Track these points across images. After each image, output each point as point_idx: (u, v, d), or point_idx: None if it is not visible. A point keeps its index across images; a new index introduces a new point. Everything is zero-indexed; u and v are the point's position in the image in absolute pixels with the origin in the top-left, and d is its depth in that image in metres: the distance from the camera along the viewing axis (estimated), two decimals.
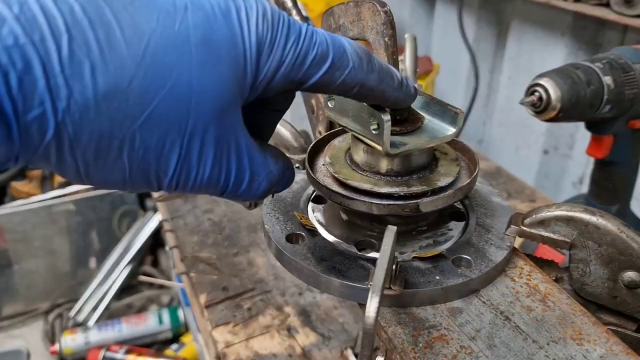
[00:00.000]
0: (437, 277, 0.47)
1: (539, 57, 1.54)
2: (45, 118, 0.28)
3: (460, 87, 1.84)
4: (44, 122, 0.28)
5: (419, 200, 0.47)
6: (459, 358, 0.41)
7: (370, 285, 0.43)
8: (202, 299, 0.96)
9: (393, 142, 0.47)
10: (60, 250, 2.82)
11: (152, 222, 2.64)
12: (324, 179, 0.52)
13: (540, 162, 1.62)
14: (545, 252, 0.80)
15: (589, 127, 0.92)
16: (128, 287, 2.60)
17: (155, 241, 2.61)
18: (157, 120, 0.31)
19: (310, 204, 0.57)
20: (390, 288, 0.44)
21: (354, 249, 0.51)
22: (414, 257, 0.49)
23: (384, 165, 0.50)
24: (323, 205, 0.57)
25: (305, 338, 0.88)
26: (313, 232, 0.52)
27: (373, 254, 0.50)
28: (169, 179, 0.34)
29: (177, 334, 2.13)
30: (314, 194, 0.58)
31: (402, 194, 0.48)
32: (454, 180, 0.50)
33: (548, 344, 0.43)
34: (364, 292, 0.46)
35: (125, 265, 2.61)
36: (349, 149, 0.54)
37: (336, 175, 0.50)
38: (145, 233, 2.64)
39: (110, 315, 2.44)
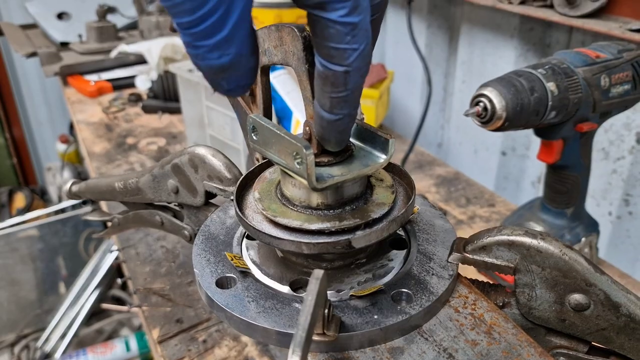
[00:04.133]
0: (376, 317, 0.44)
1: (490, 60, 1.54)
2: None
3: (416, 92, 1.84)
4: None
5: (350, 236, 0.45)
6: None
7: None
8: (155, 333, 0.91)
9: (320, 175, 0.45)
10: (23, 279, 2.73)
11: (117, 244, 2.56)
12: (254, 215, 0.49)
13: (498, 163, 1.62)
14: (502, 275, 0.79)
15: (537, 133, 0.91)
16: (98, 312, 2.52)
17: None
18: None
19: (245, 241, 0.54)
20: (324, 334, 0.41)
21: (288, 290, 0.48)
22: (351, 296, 0.46)
23: (314, 199, 0.47)
24: (257, 241, 0.54)
25: None
26: (245, 273, 0.49)
27: None
28: None
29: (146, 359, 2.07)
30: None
31: (333, 229, 0.45)
32: (389, 210, 0.48)
33: None
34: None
35: (93, 290, 2.53)
36: (279, 181, 0.51)
37: (265, 212, 0.47)
38: (112, 255, 2.57)
39: (79, 343, 2.36)
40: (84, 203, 3.03)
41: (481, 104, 0.79)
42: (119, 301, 2.50)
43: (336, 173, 0.46)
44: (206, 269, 0.50)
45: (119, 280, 1.15)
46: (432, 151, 1.83)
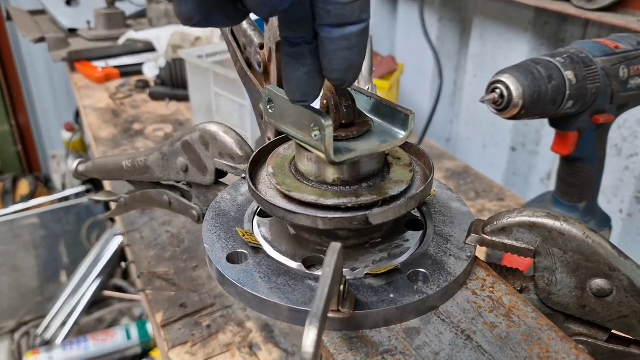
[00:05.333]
0: (392, 295, 0.43)
1: (502, 53, 1.52)
2: None
3: (426, 85, 1.82)
4: None
5: (367, 212, 0.43)
6: None
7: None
8: (159, 317, 0.90)
9: (338, 149, 0.43)
10: (25, 266, 2.72)
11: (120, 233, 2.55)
12: (267, 191, 0.48)
13: (508, 159, 1.60)
14: (511, 259, 0.77)
15: (552, 123, 0.90)
16: (98, 301, 2.51)
17: (125, 252, 2.53)
18: None
19: (256, 218, 0.53)
20: (339, 310, 0.40)
21: (301, 267, 0.46)
22: (366, 274, 0.45)
23: (330, 174, 0.46)
24: (269, 219, 0.53)
25: (268, 355, 0.83)
26: (257, 249, 0.48)
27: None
28: None
29: (147, 348, 2.06)
30: (259, 207, 0.54)
31: (349, 205, 0.43)
32: (407, 187, 0.46)
33: None
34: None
35: (95, 279, 2.52)
36: (294, 157, 0.50)
37: (279, 187, 0.46)
38: (115, 244, 2.56)
39: (79, 331, 2.36)
40: (88, 192, 3.03)
41: (497, 90, 0.78)
42: (121, 290, 2.50)
43: (354, 148, 0.45)
44: (217, 244, 0.48)
45: (123, 264, 1.14)
46: (441, 145, 1.81)
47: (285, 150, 0.52)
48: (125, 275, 2.64)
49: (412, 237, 0.50)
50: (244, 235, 0.49)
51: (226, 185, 0.63)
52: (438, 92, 1.48)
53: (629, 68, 0.86)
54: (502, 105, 0.78)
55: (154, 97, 1.79)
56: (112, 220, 2.84)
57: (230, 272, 0.45)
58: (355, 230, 0.46)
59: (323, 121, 0.40)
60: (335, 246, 0.37)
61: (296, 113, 0.44)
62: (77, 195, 3.07)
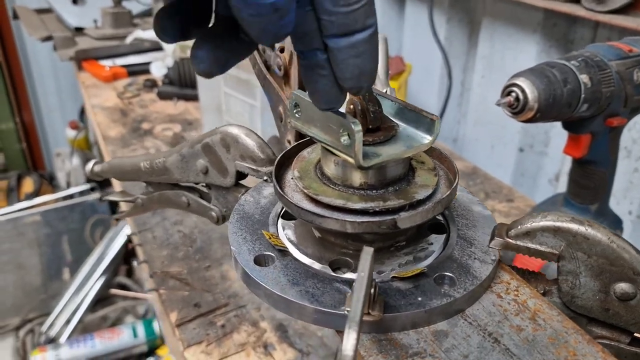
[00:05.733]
0: (419, 299, 0.43)
1: (510, 55, 1.53)
2: None
3: (434, 86, 1.82)
4: None
5: (396, 216, 0.44)
6: None
7: (347, 312, 0.39)
8: (173, 317, 0.91)
9: (365, 153, 0.44)
10: (29, 264, 2.73)
11: (125, 231, 2.56)
12: (293, 194, 0.48)
13: (516, 160, 1.61)
14: (522, 259, 0.78)
15: (566, 126, 0.90)
16: (102, 299, 2.52)
17: (129, 250, 2.54)
18: None
19: (280, 221, 0.53)
20: (369, 313, 0.41)
21: (328, 270, 0.47)
22: (393, 277, 0.45)
23: (357, 178, 0.46)
24: (294, 221, 0.53)
25: (282, 355, 0.84)
26: (284, 252, 0.48)
27: (349, 275, 0.47)
28: None
29: (153, 347, 2.07)
30: (283, 210, 0.54)
31: (377, 209, 0.44)
32: (433, 191, 0.47)
33: None
34: (340, 319, 0.42)
35: (99, 277, 2.52)
36: (319, 160, 0.50)
37: (306, 191, 0.46)
38: (119, 242, 2.57)
39: (84, 329, 2.36)
40: (92, 190, 3.03)
41: (513, 94, 0.78)
42: (125, 288, 2.50)
43: (381, 152, 0.45)
44: (243, 246, 0.49)
45: (135, 264, 1.14)
46: (448, 146, 1.82)
47: (310, 154, 0.52)
48: (130, 273, 2.64)
49: (436, 241, 0.51)
50: (270, 238, 0.49)
51: (245, 187, 0.64)
52: (447, 93, 1.49)
53: None
54: (517, 109, 0.78)
55: (162, 96, 1.80)
56: (117, 218, 2.85)
57: (258, 275, 0.45)
58: (381, 234, 0.46)
59: (353, 126, 0.41)
60: (369, 250, 0.37)
61: (324, 118, 0.44)
62: (82, 193, 3.08)
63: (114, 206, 2.82)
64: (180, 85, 1.78)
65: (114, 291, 2.00)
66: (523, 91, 0.77)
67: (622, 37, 1.07)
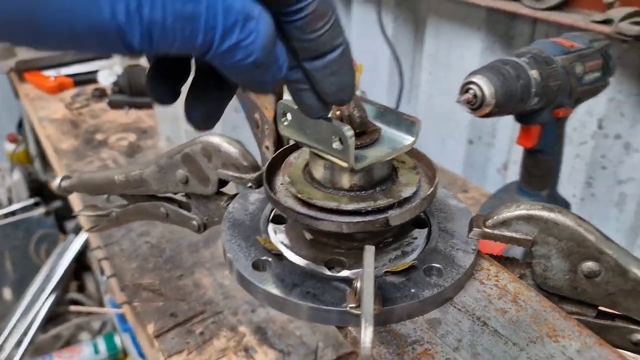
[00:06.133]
0: (412, 290, 0.46)
1: (456, 52, 1.59)
2: None
3: (382, 85, 1.87)
4: None
5: (387, 214, 0.47)
6: None
7: (350, 308, 0.42)
8: (150, 328, 0.91)
9: (355, 157, 0.46)
10: None
11: (74, 245, 2.48)
12: (286, 199, 0.50)
13: (465, 152, 1.68)
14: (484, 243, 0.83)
15: (518, 119, 0.96)
16: (54, 317, 2.43)
17: (80, 265, 2.47)
18: None
19: (271, 225, 0.55)
20: None
21: (324, 270, 0.49)
22: (386, 272, 0.48)
23: (346, 180, 0.49)
24: (284, 225, 0.55)
25: (264, 356, 0.86)
26: (279, 256, 0.50)
27: (344, 273, 0.49)
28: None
29: None
30: (272, 214, 0.56)
31: (369, 209, 0.47)
32: (417, 189, 0.50)
33: (527, 344, 0.44)
34: (342, 315, 0.44)
35: (49, 294, 2.44)
36: (306, 165, 0.52)
37: (299, 196, 0.49)
38: (68, 258, 2.49)
39: (36, 350, 2.28)
40: (36, 205, 2.93)
41: (471, 91, 0.83)
42: (78, 304, 2.43)
43: (367, 155, 0.48)
44: (239, 253, 0.50)
45: (105, 277, 1.12)
46: None
47: (296, 159, 0.54)
48: (81, 288, 2.57)
49: (420, 235, 0.54)
50: (264, 243, 0.51)
51: (226, 194, 0.65)
52: (399, 91, 1.54)
53: (584, 65, 0.93)
54: (476, 105, 0.83)
55: (114, 105, 1.76)
56: (64, 232, 2.76)
57: (258, 279, 0.47)
58: (373, 232, 0.49)
59: (345, 132, 0.43)
60: (370, 248, 0.40)
61: (313, 125, 0.47)
62: (25, 209, 2.96)
63: (60, 221, 2.73)
64: (131, 93, 1.76)
65: (73, 308, 1.95)
66: (480, 88, 0.82)
67: (558, 33, 1.15)
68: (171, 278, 1.02)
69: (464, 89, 0.84)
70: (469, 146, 1.67)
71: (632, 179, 1.31)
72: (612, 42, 1.01)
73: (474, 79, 0.83)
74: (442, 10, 1.60)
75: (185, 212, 0.71)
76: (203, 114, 0.42)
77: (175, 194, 0.72)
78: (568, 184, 1.39)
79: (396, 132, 0.51)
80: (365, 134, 0.49)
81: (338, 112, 0.49)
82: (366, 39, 1.89)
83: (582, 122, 1.33)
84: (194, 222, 0.70)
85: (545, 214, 0.51)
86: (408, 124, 0.50)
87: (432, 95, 1.73)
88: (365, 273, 0.38)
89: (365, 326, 0.34)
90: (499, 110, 0.83)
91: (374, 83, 1.90)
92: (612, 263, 0.50)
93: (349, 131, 0.43)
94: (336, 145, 0.45)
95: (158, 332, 0.90)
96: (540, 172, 1.05)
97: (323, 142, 0.46)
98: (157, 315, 0.93)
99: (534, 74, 0.85)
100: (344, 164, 0.45)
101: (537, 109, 0.91)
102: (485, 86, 0.82)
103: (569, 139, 1.36)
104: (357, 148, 0.48)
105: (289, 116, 0.49)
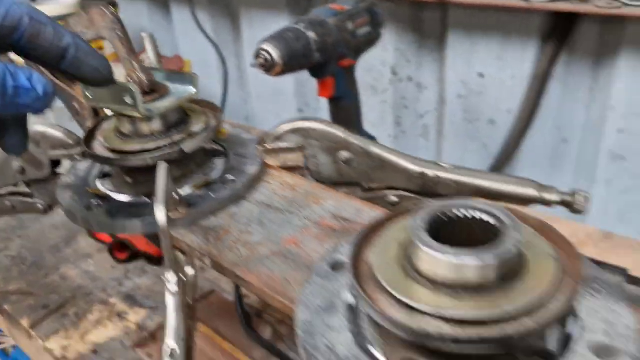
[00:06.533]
0: (213, 196, 0.62)
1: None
2: None
3: (214, 76, 2.02)
4: None
5: (181, 146, 0.61)
6: (241, 238, 0.57)
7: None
8: (25, 323, 0.98)
9: (149, 109, 0.61)
10: None
11: None
12: (102, 152, 0.63)
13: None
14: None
15: (312, 74, 1.15)
16: None
17: None
18: None
19: (99, 181, 0.68)
20: (177, 211, 0.58)
21: (144, 199, 0.63)
22: (192, 187, 0.63)
23: (146, 129, 0.63)
24: (110, 178, 0.68)
25: (136, 316, 0.97)
26: (107, 198, 0.63)
27: None
28: None
29: None
30: (100, 173, 0.69)
31: (167, 144, 0.61)
32: (206, 127, 0.66)
33: (299, 210, 0.61)
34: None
35: None
36: (115, 127, 0.66)
37: (112, 147, 0.62)
38: None
39: None
40: None
41: (262, 56, 1.00)
42: None
43: (160, 106, 0.62)
44: (73, 203, 0.63)
45: None
46: (242, 124, 2.03)
47: (109, 125, 0.67)
48: None
49: (219, 162, 0.70)
50: (94, 192, 0.64)
51: (61, 174, 0.76)
52: (225, 79, 1.69)
53: (353, 22, 1.14)
54: (268, 67, 1.00)
55: None
56: None
57: (89, 215, 0.60)
58: (176, 162, 0.64)
59: (129, 87, 0.57)
60: (162, 164, 0.55)
61: (110, 91, 0.60)
62: None
63: None
64: None
65: None
66: (269, 53, 1.00)
67: None
68: (38, 279, 1.09)
69: (257, 55, 1.01)
70: (299, 114, 1.87)
71: (428, 112, 1.59)
72: (377, 2, 1.24)
73: (263, 46, 1.00)
74: (251, 2, 1.77)
75: (29, 200, 0.81)
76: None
77: (16, 185, 0.81)
78: (382, 127, 1.64)
79: (182, 87, 0.66)
80: (155, 91, 0.64)
81: (129, 79, 0.63)
82: (190, 37, 2.02)
83: (380, 72, 1.57)
84: (39, 206, 0.80)
85: (305, 124, 0.69)
86: (189, 79, 0.66)
87: (258, 77, 1.89)
88: (159, 173, 0.52)
89: (157, 206, 0.49)
90: (287, 68, 1.01)
91: (207, 75, 2.03)
92: (360, 150, 0.70)
93: (132, 85, 0.58)
94: (128, 100, 0.59)
95: (33, 324, 0.97)
96: (345, 116, 1.25)
97: (119, 101, 0.60)
98: (30, 311, 1.00)
99: (311, 35, 1.04)
100: (137, 114, 0.59)
101: (323, 62, 1.11)
102: (273, 51, 0.99)
103: (373, 89, 1.60)
104: (149, 102, 0.62)
105: (89, 94, 0.62)
